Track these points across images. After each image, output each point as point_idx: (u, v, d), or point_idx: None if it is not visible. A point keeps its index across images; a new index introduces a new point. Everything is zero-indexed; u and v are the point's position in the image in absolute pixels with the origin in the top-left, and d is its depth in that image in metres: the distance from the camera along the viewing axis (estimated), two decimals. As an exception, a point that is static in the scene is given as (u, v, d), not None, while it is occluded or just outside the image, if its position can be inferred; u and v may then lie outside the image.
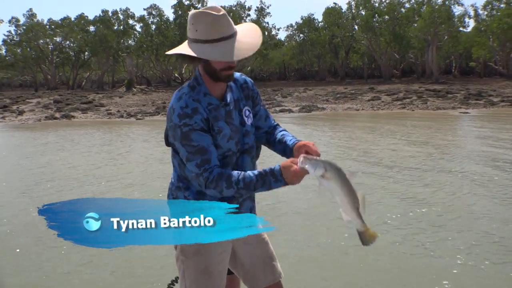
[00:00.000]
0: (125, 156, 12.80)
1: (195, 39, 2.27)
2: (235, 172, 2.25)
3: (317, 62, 67.32)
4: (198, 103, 2.32)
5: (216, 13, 2.22)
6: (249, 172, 2.24)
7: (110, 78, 68.73)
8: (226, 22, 2.25)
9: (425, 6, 52.55)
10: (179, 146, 2.31)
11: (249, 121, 2.51)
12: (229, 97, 2.45)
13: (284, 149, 2.51)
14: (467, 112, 24.88)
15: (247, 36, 2.34)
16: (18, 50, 60.48)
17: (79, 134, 18.51)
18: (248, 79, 2.61)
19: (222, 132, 2.36)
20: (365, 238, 2.17)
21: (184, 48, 2.30)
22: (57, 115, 27.67)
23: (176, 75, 64.09)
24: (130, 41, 62.92)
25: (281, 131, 2.63)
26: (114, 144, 15.25)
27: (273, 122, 2.70)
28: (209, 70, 2.33)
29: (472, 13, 53.42)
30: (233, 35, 2.28)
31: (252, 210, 2.59)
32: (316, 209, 6.92)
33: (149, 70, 70.93)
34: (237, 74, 2.56)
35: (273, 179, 2.18)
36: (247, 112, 2.52)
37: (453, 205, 7.03)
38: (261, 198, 6.51)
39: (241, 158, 2.47)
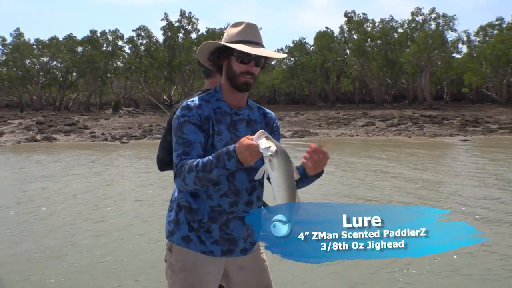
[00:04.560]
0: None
1: (226, 42, 2.32)
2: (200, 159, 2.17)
3: (308, 86, 66.64)
4: (206, 102, 2.35)
5: (249, 22, 2.37)
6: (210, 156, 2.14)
7: (97, 99, 67.56)
8: (256, 33, 2.35)
9: (418, 31, 52.24)
10: (173, 137, 2.30)
11: None
12: (244, 112, 2.42)
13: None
14: (466, 140, 23.99)
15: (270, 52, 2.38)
16: (4, 70, 59.16)
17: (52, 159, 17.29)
18: (273, 114, 2.60)
19: (221, 135, 2.31)
20: None
21: (214, 43, 2.37)
22: (38, 137, 26.43)
23: (165, 97, 63.08)
24: (118, 63, 61.82)
25: None
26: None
27: None
28: (230, 74, 2.33)
29: (465, 38, 53.18)
30: (259, 44, 2.34)
31: (245, 240, 2.41)
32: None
33: (137, 92, 69.91)
34: (264, 108, 2.57)
35: (226, 156, 2.06)
36: None
37: None
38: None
39: (238, 173, 2.32)
